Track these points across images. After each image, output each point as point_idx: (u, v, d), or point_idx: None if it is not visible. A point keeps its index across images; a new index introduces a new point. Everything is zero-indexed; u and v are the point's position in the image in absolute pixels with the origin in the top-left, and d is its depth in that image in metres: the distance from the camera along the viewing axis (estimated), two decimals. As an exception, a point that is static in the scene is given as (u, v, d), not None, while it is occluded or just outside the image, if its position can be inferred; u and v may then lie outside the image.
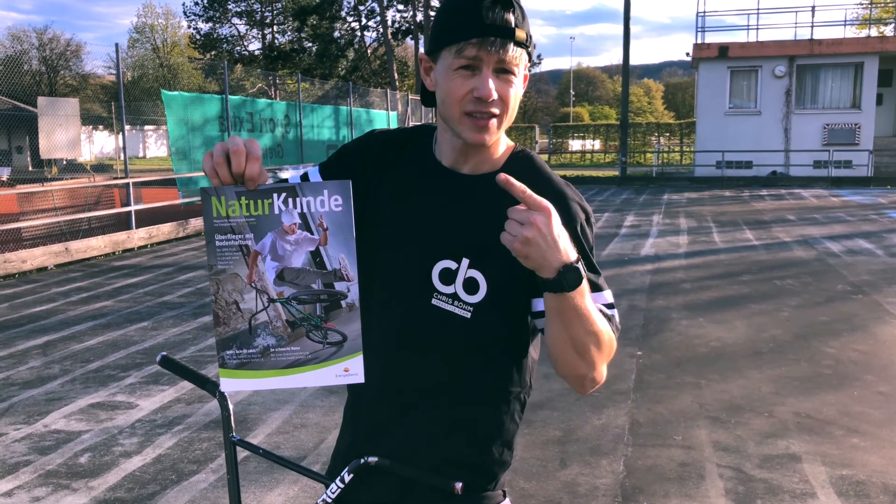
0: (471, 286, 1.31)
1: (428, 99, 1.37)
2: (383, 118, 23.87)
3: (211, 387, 1.48)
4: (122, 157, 12.55)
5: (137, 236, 11.45)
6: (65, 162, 24.06)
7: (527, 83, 1.35)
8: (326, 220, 1.14)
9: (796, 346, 5.71)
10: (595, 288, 1.29)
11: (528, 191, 1.12)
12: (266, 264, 1.14)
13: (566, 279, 1.13)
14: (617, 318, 1.32)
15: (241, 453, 3.53)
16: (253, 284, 1.14)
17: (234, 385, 1.18)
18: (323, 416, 4.38)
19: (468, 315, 1.31)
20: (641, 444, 3.98)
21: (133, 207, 11.58)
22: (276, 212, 1.13)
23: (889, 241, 10.97)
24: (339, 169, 1.42)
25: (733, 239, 11.42)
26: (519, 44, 1.25)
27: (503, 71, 1.26)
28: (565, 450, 3.91)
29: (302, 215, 1.14)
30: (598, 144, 46.74)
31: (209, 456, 3.88)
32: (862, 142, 22.86)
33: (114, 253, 10.93)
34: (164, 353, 1.54)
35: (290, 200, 1.13)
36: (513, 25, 1.24)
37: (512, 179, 1.11)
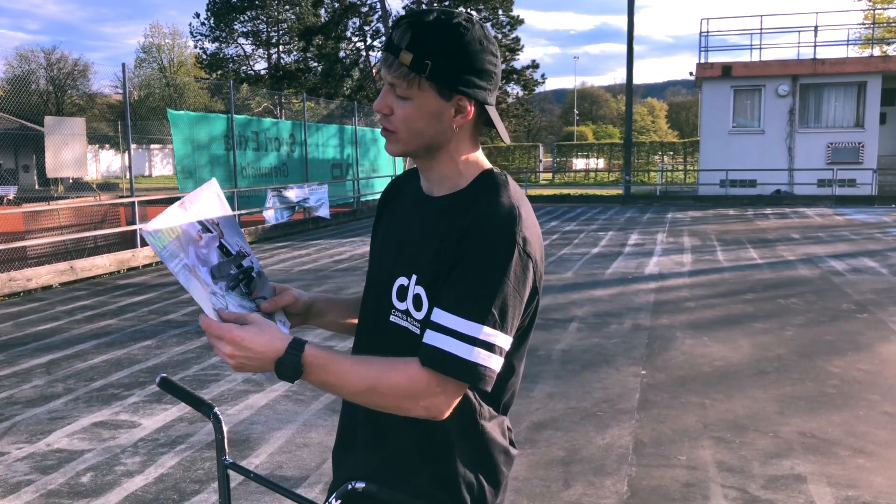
0: (417, 303, 1.33)
1: None
2: (388, 137, 23.94)
3: (206, 409, 1.51)
4: (127, 176, 12.61)
5: (142, 255, 11.49)
6: (71, 180, 24.20)
7: (465, 118, 1.32)
8: (215, 217, 1.36)
9: (801, 366, 5.69)
10: (470, 313, 1.23)
11: (209, 322, 1.24)
12: (203, 272, 1.31)
13: (281, 374, 1.22)
14: (471, 357, 1.22)
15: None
16: (209, 290, 1.31)
17: None
18: (326, 436, 4.37)
19: (418, 331, 1.32)
20: (645, 464, 3.96)
21: (138, 226, 11.62)
22: (185, 228, 1.32)
23: (893, 259, 10.94)
24: (375, 224, 1.57)
25: (737, 257, 11.40)
26: (405, 65, 1.27)
27: (395, 90, 1.31)
28: (569, 470, 3.89)
29: (199, 222, 1.33)
30: (602, 163, 46.84)
31: (211, 476, 3.87)
32: (866, 160, 22.87)
33: (119, 271, 10.96)
34: (164, 374, 1.57)
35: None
36: (402, 46, 1.27)
37: (204, 320, 1.25)
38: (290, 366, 1.21)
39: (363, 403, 1.27)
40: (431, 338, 1.25)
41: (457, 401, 1.28)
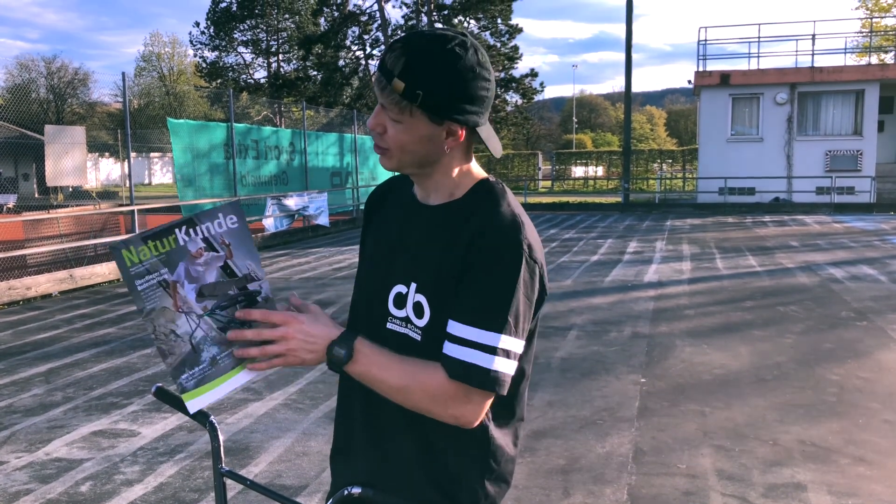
0: (418, 310, 1.34)
1: None
2: (387, 145, 23.99)
3: (201, 418, 1.52)
4: (127, 184, 12.63)
5: (142, 263, 11.47)
6: (70, 189, 24.21)
7: (456, 141, 1.33)
8: (227, 237, 1.31)
9: (800, 373, 5.69)
10: (488, 323, 1.26)
11: (267, 313, 1.28)
12: (185, 288, 1.27)
13: (332, 357, 1.27)
14: (493, 366, 1.26)
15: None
16: (181, 309, 1.27)
17: (199, 403, 1.30)
18: (325, 444, 4.36)
19: (419, 338, 1.34)
20: (645, 472, 3.95)
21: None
22: (182, 243, 1.27)
23: (892, 266, 10.95)
24: (363, 231, 1.58)
25: (736, 265, 11.41)
26: (398, 92, 1.26)
27: (388, 113, 1.32)
28: (569, 478, 3.88)
29: (205, 239, 1.29)
30: (600, 171, 46.90)
31: (211, 484, 3.86)
32: (864, 168, 22.92)
33: (118, 280, 10.95)
34: (159, 384, 1.58)
35: (191, 230, 1.29)
36: (394, 72, 1.26)
37: (252, 313, 1.29)
38: (342, 349, 1.26)
39: (396, 401, 1.31)
40: (453, 350, 1.28)
41: (485, 409, 1.32)
